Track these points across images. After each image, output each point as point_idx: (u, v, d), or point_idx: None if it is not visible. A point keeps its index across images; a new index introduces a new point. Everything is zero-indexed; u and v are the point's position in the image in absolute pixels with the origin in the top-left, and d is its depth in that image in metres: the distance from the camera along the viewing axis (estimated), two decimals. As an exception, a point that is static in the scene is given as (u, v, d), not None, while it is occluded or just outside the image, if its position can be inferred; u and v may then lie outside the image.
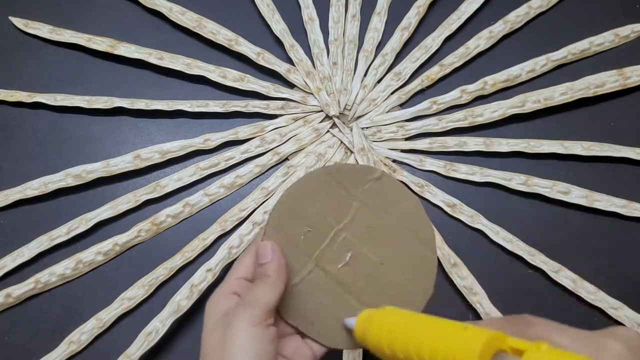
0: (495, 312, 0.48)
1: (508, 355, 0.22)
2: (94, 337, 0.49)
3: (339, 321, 0.34)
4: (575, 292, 0.49)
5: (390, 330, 0.28)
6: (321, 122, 0.56)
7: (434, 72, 0.56)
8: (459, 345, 0.23)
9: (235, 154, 0.54)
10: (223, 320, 0.30)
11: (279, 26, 0.57)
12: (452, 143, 0.54)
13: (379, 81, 0.56)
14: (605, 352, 0.23)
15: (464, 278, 0.50)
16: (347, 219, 0.35)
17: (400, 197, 0.36)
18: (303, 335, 0.35)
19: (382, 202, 0.35)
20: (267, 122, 0.55)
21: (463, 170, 0.53)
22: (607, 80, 0.54)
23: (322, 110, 0.56)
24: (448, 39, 0.57)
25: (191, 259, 0.50)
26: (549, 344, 0.21)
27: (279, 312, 0.34)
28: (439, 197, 0.52)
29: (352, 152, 0.54)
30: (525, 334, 0.24)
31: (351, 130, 0.55)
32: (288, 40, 0.56)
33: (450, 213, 0.52)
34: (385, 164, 0.54)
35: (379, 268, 0.35)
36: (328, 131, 0.55)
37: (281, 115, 0.55)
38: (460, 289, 0.49)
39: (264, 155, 0.54)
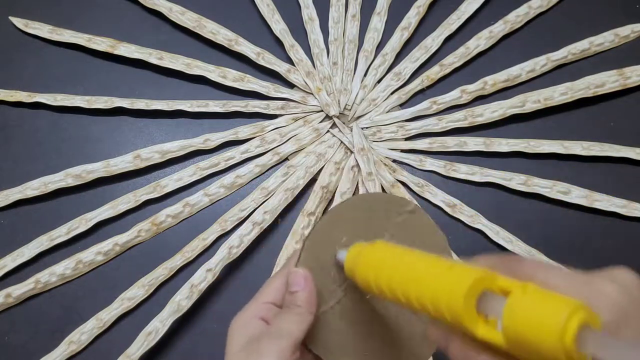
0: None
1: (495, 295, 0.21)
2: (94, 337, 0.49)
3: (362, 355, 0.33)
4: (575, 292, 0.49)
5: (377, 267, 0.27)
6: (321, 122, 0.56)
7: (434, 72, 0.56)
8: (445, 286, 0.22)
9: (235, 154, 0.54)
10: (249, 347, 0.29)
11: (279, 26, 0.57)
12: (452, 143, 0.54)
13: (379, 81, 0.56)
14: (598, 296, 0.21)
15: (464, 278, 0.50)
16: None
17: (429, 234, 0.35)
18: None
19: (411, 236, 0.35)
20: (267, 122, 0.55)
21: (463, 170, 0.53)
22: (607, 80, 0.54)
23: (322, 110, 0.56)
24: (448, 39, 0.57)
25: (191, 259, 0.50)
26: (538, 284, 0.20)
27: (304, 340, 0.33)
28: (439, 197, 0.52)
29: (352, 152, 0.54)
30: (515, 272, 0.22)
31: (351, 130, 0.55)
32: (288, 40, 0.56)
33: (450, 213, 0.52)
34: (385, 164, 0.54)
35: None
36: (328, 131, 0.55)
37: (281, 115, 0.55)
38: (460, 289, 0.49)
39: (264, 155, 0.54)
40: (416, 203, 0.37)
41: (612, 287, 0.21)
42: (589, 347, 0.18)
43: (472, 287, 0.21)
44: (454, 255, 0.50)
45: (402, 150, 0.55)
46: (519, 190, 0.52)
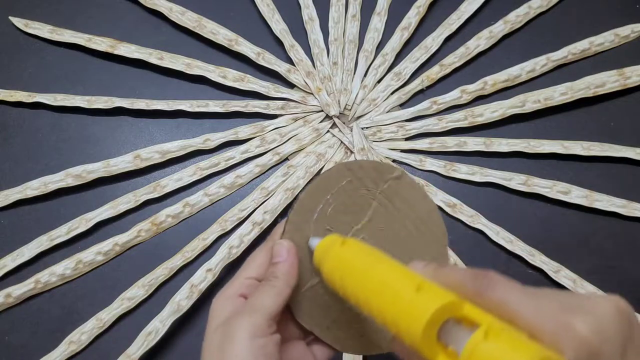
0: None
1: (458, 326, 0.20)
2: (94, 337, 0.49)
3: (355, 327, 0.33)
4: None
5: (344, 269, 0.26)
6: (321, 122, 0.56)
7: (434, 72, 0.56)
8: (407, 310, 0.21)
9: (235, 154, 0.54)
10: (224, 326, 0.28)
11: (279, 26, 0.57)
12: (452, 143, 0.54)
13: (379, 81, 0.56)
14: (567, 333, 0.19)
15: (464, 278, 0.50)
16: (365, 219, 0.33)
17: (417, 200, 0.34)
18: (308, 342, 0.33)
19: (398, 203, 0.34)
20: (267, 122, 0.55)
21: (463, 170, 0.53)
22: (607, 80, 0.54)
23: (322, 110, 0.56)
24: (448, 39, 0.57)
25: (191, 259, 0.50)
26: (507, 313, 0.20)
27: (293, 314, 0.32)
28: (439, 197, 0.52)
29: (352, 152, 0.54)
30: (486, 294, 0.21)
31: (351, 130, 0.55)
32: (288, 40, 0.56)
33: (450, 213, 0.52)
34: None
35: None
36: (328, 131, 0.55)
37: (281, 115, 0.55)
38: (460, 289, 0.49)
39: (264, 155, 0.54)
40: (403, 169, 0.36)
41: (585, 324, 0.19)
42: None
43: (434, 316, 0.20)
44: (450, 254, 0.50)
45: (402, 150, 0.55)
46: (519, 190, 0.52)
